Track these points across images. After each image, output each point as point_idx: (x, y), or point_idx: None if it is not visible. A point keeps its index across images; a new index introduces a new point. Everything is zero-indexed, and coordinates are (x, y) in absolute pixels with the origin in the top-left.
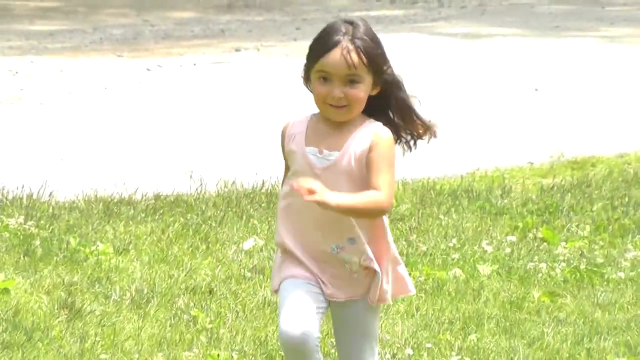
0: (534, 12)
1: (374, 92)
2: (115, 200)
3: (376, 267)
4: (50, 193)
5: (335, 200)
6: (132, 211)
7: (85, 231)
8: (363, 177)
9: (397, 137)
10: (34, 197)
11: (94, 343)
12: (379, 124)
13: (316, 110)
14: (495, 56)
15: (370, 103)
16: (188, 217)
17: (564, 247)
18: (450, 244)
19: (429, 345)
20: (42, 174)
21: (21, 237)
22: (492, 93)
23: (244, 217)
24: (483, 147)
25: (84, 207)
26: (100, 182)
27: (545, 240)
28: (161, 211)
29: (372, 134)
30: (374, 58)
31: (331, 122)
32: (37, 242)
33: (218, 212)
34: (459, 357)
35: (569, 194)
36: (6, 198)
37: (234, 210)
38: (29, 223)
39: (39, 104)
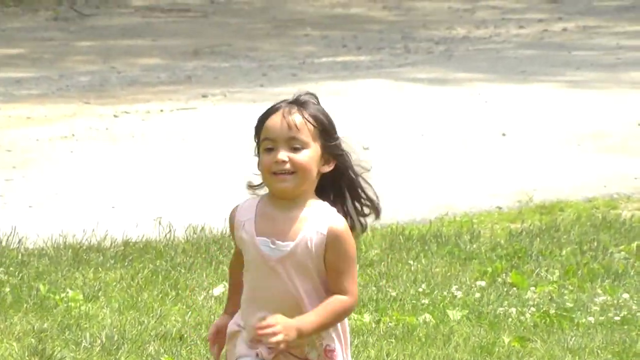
0: (501, 57)
1: (325, 169)
2: (84, 247)
3: (338, 349)
4: (19, 240)
5: (305, 330)
6: (102, 258)
7: (54, 278)
8: (319, 269)
9: (346, 216)
10: (3, 244)
11: None
12: (332, 211)
13: (263, 192)
14: (462, 101)
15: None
16: (157, 264)
17: (534, 292)
18: (420, 289)
19: None
20: (10, 221)
21: None
22: (459, 138)
23: (213, 263)
24: (451, 192)
25: (53, 254)
26: (70, 228)
27: (514, 285)
28: (130, 257)
29: (327, 227)
30: (320, 121)
31: (280, 206)
32: (7, 289)
33: (187, 258)
34: None
35: (538, 238)
36: None
37: (203, 256)
38: None
39: (7, 151)
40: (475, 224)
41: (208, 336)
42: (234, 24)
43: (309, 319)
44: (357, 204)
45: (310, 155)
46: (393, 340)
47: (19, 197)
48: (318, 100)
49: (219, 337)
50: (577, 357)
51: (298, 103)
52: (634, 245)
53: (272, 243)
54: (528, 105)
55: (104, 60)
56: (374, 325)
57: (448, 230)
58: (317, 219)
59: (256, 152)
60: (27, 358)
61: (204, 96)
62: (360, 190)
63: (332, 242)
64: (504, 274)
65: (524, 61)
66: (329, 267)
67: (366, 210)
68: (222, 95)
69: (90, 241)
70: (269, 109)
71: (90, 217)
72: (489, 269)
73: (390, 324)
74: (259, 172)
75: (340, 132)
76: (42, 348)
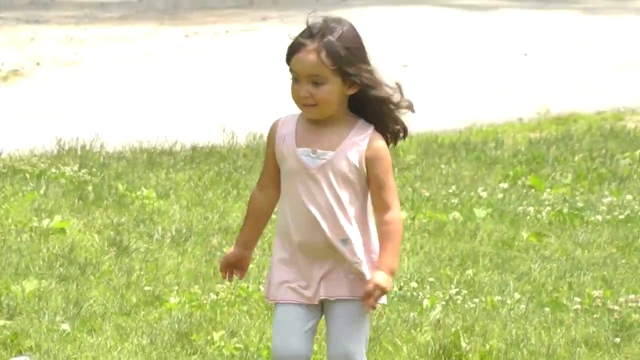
0: None
1: (351, 92)
2: (158, 151)
3: (365, 269)
4: (101, 145)
5: (394, 270)
6: (172, 161)
7: (131, 178)
8: (359, 180)
9: (383, 132)
10: (87, 148)
11: (139, 276)
12: (369, 128)
13: None
14: (489, 25)
15: (355, 100)
16: (221, 166)
17: (549, 193)
18: (450, 190)
19: (431, 279)
20: (94, 128)
21: (76, 183)
22: (486, 57)
23: None
24: (479, 105)
25: (130, 157)
26: (145, 135)
27: (532, 187)
28: (198, 161)
29: (366, 142)
30: (338, 58)
31: (319, 121)
32: (90, 188)
33: (247, 161)
34: (457, 289)
35: (554, 146)
36: (63, 149)
37: (261, 160)
38: (83, 171)
39: (90, 67)
40: (499, 133)
41: (220, 268)
42: None
43: (389, 259)
44: (389, 123)
45: (329, 90)
46: (426, 235)
47: (101, 107)
48: (347, 25)
49: (231, 270)
50: (586, 251)
51: (321, 35)
52: (637, 152)
53: (313, 152)
54: (547, 29)
55: None
56: (409, 222)
57: (475, 139)
58: (356, 134)
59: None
60: (106, 248)
61: (264, 19)
62: (389, 113)
63: (373, 154)
64: (523, 177)
65: None
66: (372, 181)
67: (396, 128)
68: (280, 19)
69: (163, 146)
70: (294, 43)
71: (163, 124)
72: (511, 173)
73: (423, 220)
74: None
75: (380, 52)
76: (119, 240)
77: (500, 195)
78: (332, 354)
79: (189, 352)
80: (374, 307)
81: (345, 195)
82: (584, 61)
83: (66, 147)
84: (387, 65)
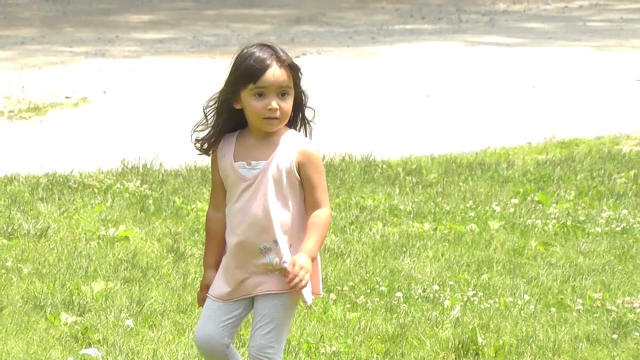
0: (531, 27)
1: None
2: (210, 169)
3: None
4: (160, 163)
5: (314, 255)
6: None
7: (187, 193)
8: (291, 185)
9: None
10: (148, 166)
11: (194, 279)
12: (299, 135)
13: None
14: (501, 59)
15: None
16: None
17: (555, 208)
18: (468, 205)
19: (451, 282)
20: (154, 148)
21: (138, 197)
22: (500, 89)
23: None
24: (493, 130)
25: (186, 174)
26: (199, 155)
27: (540, 202)
28: None
29: (298, 146)
30: (296, 73)
31: (258, 135)
32: (150, 201)
33: None
34: (474, 292)
35: (558, 167)
36: (127, 167)
37: None
38: (144, 186)
39: (151, 95)
40: (511, 155)
41: (198, 298)
42: None
43: (311, 245)
44: (305, 128)
45: (291, 102)
46: (446, 244)
47: (160, 130)
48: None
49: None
50: (587, 258)
51: (277, 50)
52: (632, 172)
53: (248, 164)
54: (553, 64)
55: (227, 26)
56: (431, 232)
57: (489, 160)
58: (289, 143)
59: (228, 95)
60: (165, 254)
61: (304, 54)
62: (305, 121)
63: (304, 160)
64: (532, 194)
65: (549, 30)
66: (305, 182)
67: (311, 125)
68: (317, 54)
69: None
70: (259, 64)
71: None
72: (521, 190)
73: (444, 231)
74: (221, 110)
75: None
76: (176, 247)
77: (512, 210)
78: (251, 345)
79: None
80: (299, 287)
81: (279, 199)
82: (585, 92)
83: (129, 166)
84: (412, 95)
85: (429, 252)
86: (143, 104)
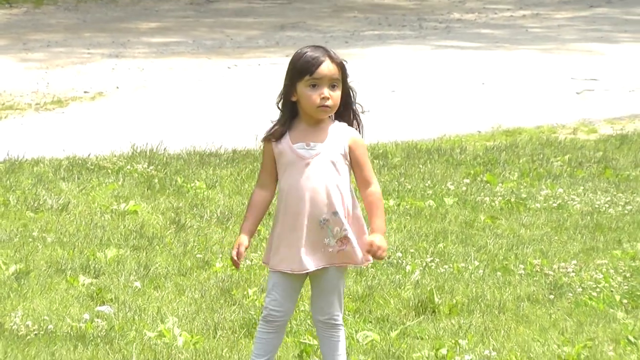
0: (482, 33)
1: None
2: (207, 153)
3: (350, 235)
4: (165, 148)
5: (383, 233)
6: (218, 160)
7: (187, 173)
8: (343, 165)
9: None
10: (154, 150)
11: (193, 247)
12: (344, 124)
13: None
14: (455, 61)
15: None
16: (254, 165)
17: (501, 187)
18: (427, 184)
19: (412, 250)
20: (159, 136)
21: (145, 177)
22: (454, 85)
23: None
24: (448, 120)
25: (186, 157)
26: (197, 141)
27: (488, 182)
28: (237, 161)
29: (349, 134)
30: (344, 70)
31: (310, 123)
32: (156, 180)
33: None
34: (432, 258)
35: (504, 152)
36: (136, 151)
37: None
38: (150, 168)
39: (157, 90)
40: (463, 142)
41: (233, 256)
42: (307, 8)
43: (380, 222)
44: (356, 122)
45: (339, 94)
46: (408, 217)
47: (164, 120)
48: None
49: (241, 256)
50: (528, 230)
51: (328, 49)
52: (567, 157)
53: (307, 145)
54: (500, 64)
55: (222, 31)
56: (395, 207)
57: (445, 146)
58: (341, 131)
59: (289, 89)
60: (168, 226)
61: (287, 56)
62: (357, 115)
63: (355, 144)
64: (481, 175)
65: (497, 35)
66: (355, 163)
67: (360, 122)
68: None
69: (211, 149)
70: (314, 60)
71: (211, 133)
72: (472, 171)
73: (406, 206)
74: (285, 104)
75: (375, 80)
76: (178, 219)
77: (464, 188)
78: (320, 313)
79: (229, 304)
80: (380, 258)
81: (334, 177)
82: (526, 89)
83: (138, 150)
84: (380, 91)
85: (393, 224)
86: (150, 98)
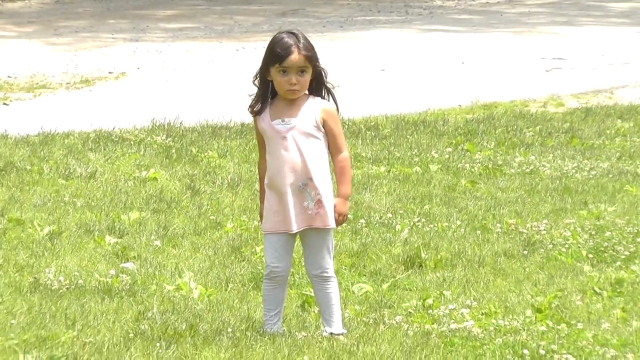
0: (461, 18)
1: (311, 78)
2: (218, 126)
3: (324, 199)
4: (181, 122)
5: (347, 197)
6: (228, 132)
7: (201, 144)
8: (317, 135)
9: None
10: (171, 124)
11: (206, 209)
12: (318, 98)
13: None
14: (438, 41)
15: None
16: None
17: (479, 155)
18: (414, 152)
19: (401, 211)
20: (176, 111)
21: (164, 147)
22: (437, 64)
23: None
24: (433, 96)
25: (200, 130)
26: (210, 115)
27: (468, 150)
28: (245, 132)
29: (320, 106)
30: (313, 56)
31: (285, 100)
32: (173, 151)
33: None
34: (419, 218)
35: (482, 123)
36: (155, 125)
37: None
38: (168, 139)
39: (173, 70)
40: (446, 115)
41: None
42: None
43: (345, 188)
44: (329, 96)
45: (308, 77)
46: (397, 182)
47: (181, 96)
48: (307, 37)
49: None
50: (504, 193)
51: (299, 39)
52: (538, 128)
53: (282, 121)
54: (478, 45)
55: (230, 17)
56: (386, 173)
57: (430, 118)
58: (313, 104)
59: (263, 70)
60: (184, 191)
61: None
62: (330, 90)
63: (326, 115)
64: (462, 144)
65: (475, 20)
66: (328, 132)
67: (333, 94)
68: None
69: (222, 123)
70: (284, 48)
71: (222, 108)
72: (453, 141)
73: (395, 172)
74: (262, 82)
75: (366, 60)
76: (193, 185)
77: (447, 156)
78: (313, 268)
79: (239, 260)
80: (338, 224)
81: (308, 147)
82: (501, 67)
83: (157, 124)
84: (371, 69)
85: (384, 189)
86: (167, 77)
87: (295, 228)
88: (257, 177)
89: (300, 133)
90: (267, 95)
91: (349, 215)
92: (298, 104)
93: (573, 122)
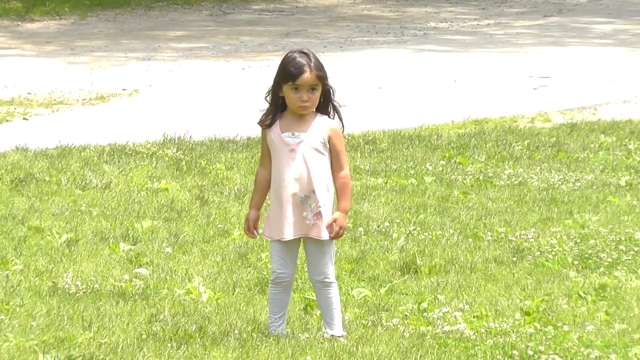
0: (453, 39)
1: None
2: (226, 140)
3: (323, 211)
4: (190, 136)
5: (347, 212)
6: (235, 146)
7: (209, 157)
8: (322, 151)
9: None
10: (182, 138)
11: (214, 218)
12: (325, 117)
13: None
14: (432, 61)
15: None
16: None
17: (471, 167)
18: (409, 165)
19: (397, 220)
20: (185, 125)
21: (174, 160)
22: (432, 82)
23: None
24: (427, 112)
25: (209, 143)
26: (218, 130)
27: (460, 163)
28: (251, 146)
29: (328, 124)
30: (324, 72)
31: (296, 115)
32: (183, 163)
33: None
34: (414, 227)
35: (473, 138)
36: (166, 139)
37: None
38: (179, 152)
39: (183, 87)
40: (439, 130)
41: (246, 229)
42: (308, 19)
43: (345, 203)
44: (337, 116)
45: (318, 94)
46: (394, 193)
47: (190, 112)
48: (317, 57)
49: (253, 228)
50: (494, 203)
51: (311, 58)
52: (526, 142)
53: (292, 134)
54: (469, 64)
55: (237, 38)
56: (383, 185)
57: (424, 133)
58: (321, 122)
59: (276, 86)
60: (193, 201)
61: None
62: (337, 108)
63: (334, 133)
64: (455, 157)
65: (466, 40)
66: (332, 150)
67: (340, 114)
68: None
69: (229, 137)
70: (296, 67)
71: (229, 123)
72: (447, 154)
73: (392, 184)
74: (274, 98)
75: (364, 78)
76: (202, 195)
77: (440, 168)
78: (316, 274)
79: (246, 266)
80: (337, 237)
81: (314, 161)
82: (491, 86)
83: (168, 138)
84: (369, 87)
85: (382, 199)
86: (178, 94)
87: (289, 236)
88: (254, 182)
89: (308, 147)
90: (277, 110)
91: (348, 224)
92: (307, 119)
93: (559, 136)
